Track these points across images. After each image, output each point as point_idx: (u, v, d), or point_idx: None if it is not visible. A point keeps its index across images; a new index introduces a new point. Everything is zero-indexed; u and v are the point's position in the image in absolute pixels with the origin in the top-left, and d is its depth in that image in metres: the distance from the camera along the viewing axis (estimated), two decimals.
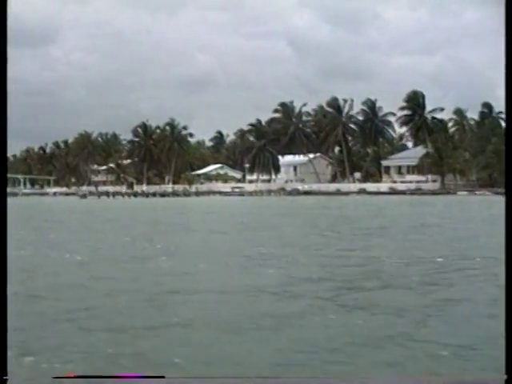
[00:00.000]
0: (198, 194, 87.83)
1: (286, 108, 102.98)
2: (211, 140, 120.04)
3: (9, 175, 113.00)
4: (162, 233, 20.69)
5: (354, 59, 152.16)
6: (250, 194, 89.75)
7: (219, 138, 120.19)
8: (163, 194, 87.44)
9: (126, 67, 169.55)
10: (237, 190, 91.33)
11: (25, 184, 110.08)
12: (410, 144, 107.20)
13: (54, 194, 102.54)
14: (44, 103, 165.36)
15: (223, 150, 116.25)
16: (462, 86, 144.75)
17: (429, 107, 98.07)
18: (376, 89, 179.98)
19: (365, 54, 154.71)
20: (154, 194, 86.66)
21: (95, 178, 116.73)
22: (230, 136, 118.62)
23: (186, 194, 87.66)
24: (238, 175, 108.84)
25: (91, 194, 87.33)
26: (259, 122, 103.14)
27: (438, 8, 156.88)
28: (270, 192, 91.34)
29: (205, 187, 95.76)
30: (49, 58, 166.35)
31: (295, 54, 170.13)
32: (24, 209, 43.62)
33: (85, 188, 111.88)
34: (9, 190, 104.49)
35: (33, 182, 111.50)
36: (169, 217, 32.90)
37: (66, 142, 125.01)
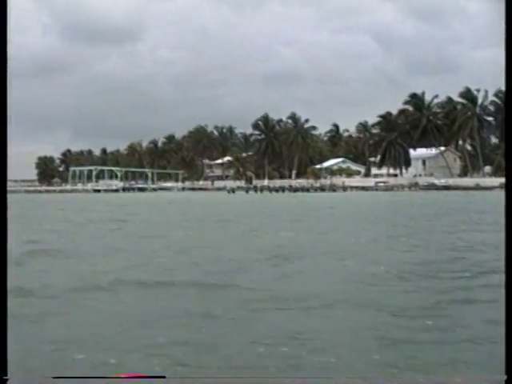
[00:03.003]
0: (344, 188, 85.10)
1: (416, 99, 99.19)
2: (327, 133, 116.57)
3: (135, 169, 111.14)
4: None
5: (439, 53, 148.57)
6: (391, 188, 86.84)
7: (335, 131, 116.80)
8: (308, 189, 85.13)
9: (212, 63, 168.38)
10: (381, 184, 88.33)
11: (152, 179, 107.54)
12: None
13: (183, 189, 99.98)
14: (131, 99, 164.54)
15: (341, 144, 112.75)
16: None
17: None
18: (461, 82, 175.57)
19: (449, 48, 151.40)
20: (302, 189, 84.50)
21: (209, 173, 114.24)
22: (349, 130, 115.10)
23: (333, 189, 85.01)
24: (361, 169, 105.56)
25: (239, 188, 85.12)
26: (389, 113, 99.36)
27: None
28: (410, 187, 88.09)
29: (329, 181, 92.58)
30: (135, 54, 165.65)
31: (379, 48, 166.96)
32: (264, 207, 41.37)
33: (201, 183, 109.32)
34: (135, 184, 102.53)
35: (146, 177, 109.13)
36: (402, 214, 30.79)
37: (173, 137, 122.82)
